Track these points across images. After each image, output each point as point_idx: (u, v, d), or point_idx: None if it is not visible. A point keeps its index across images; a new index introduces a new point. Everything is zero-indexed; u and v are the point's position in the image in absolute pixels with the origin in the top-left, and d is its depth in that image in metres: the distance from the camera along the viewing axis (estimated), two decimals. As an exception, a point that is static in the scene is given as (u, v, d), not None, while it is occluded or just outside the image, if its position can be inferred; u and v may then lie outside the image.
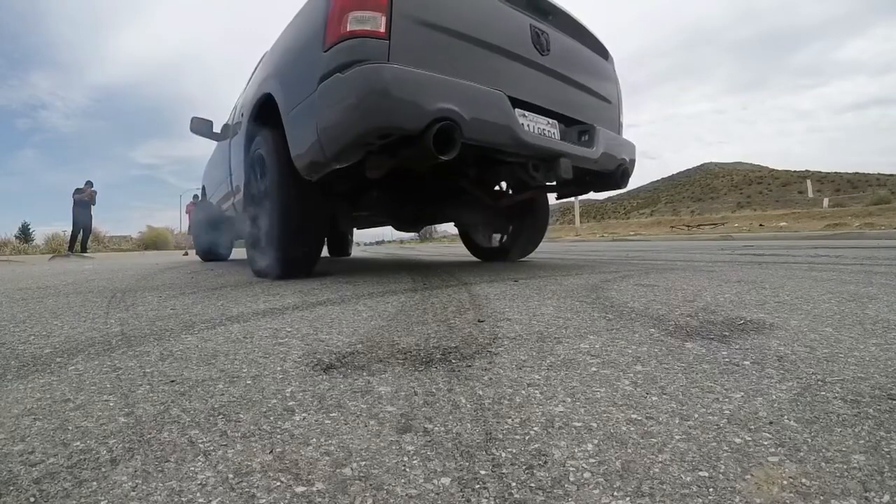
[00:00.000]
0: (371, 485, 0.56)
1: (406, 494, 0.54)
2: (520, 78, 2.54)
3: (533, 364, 1.01)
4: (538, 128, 2.59)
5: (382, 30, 2.01)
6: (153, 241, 25.06)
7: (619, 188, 3.32)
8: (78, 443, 0.69)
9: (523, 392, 0.85)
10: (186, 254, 7.23)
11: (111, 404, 0.84)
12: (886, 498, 0.51)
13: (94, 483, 0.58)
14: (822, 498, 0.51)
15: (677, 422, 0.71)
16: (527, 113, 2.56)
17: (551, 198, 4.09)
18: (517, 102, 2.48)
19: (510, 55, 2.49)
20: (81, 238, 12.68)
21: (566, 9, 2.95)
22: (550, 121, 2.71)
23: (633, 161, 3.31)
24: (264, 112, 2.96)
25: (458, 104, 2.12)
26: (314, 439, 0.68)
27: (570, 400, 0.81)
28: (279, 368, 1.02)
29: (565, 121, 2.85)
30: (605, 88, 3.23)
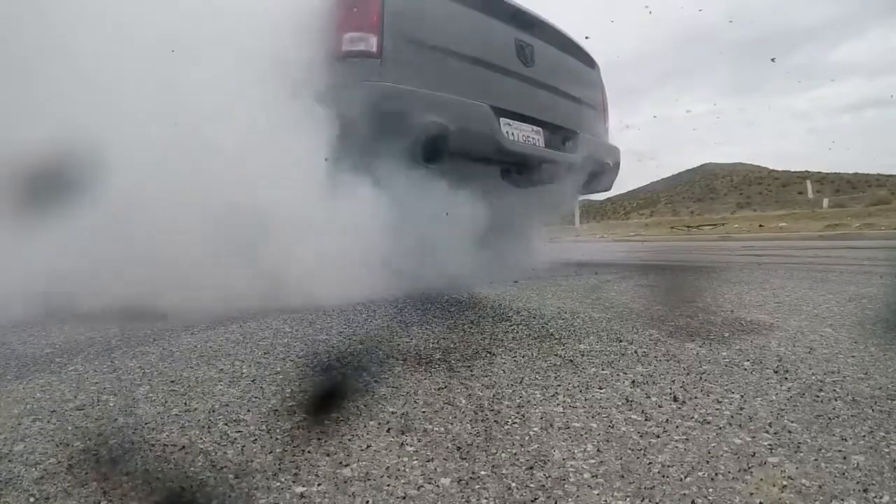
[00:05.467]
0: (371, 485, 0.56)
1: (406, 494, 0.54)
2: (505, 89, 2.69)
3: (533, 364, 1.01)
4: (522, 135, 2.74)
5: (375, 49, 2.18)
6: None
7: (605, 190, 3.55)
8: (78, 443, 0.69)
9: (523, 392, 0.85)
10: None
11: (111, 404, 0.84)
12: (886, 498, 0.51)
13: (95, 483, 0.58)
14: (822, 498, 0.51)
15: (677, 422, 0.71)
16: (511, 122, 2.70)
17: None
18: (502, 112, 2.61)
19: (495, 68, 2.64)
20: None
21: (551, 21, 3.09)
22: (535, 128, 2.87)
23: (617, 164, 3.51)
24: None
25: (443, 117, 2.28)
26: (314, 439, 0.68)
27: (569, 400, 0.81)
28: (279, 368, 1.02)
29: (550, 128, 3.00)
30: (590, 96, 3.40)
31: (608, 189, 3.50)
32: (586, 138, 3.14)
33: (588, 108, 3.35)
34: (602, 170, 3.29)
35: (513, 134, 2.65)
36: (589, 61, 3.41)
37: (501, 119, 2.58)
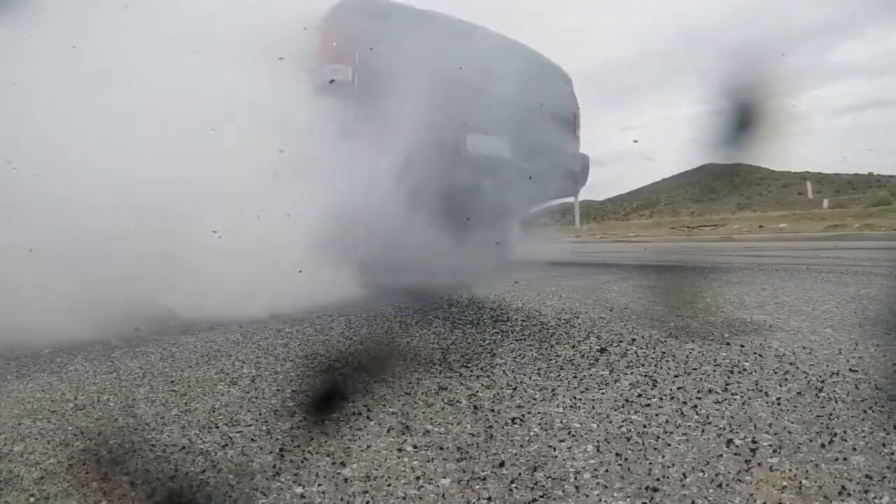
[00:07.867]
0: (371, 485, 0.56)
1: (406, 494, 0.54)
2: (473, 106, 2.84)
3: (533, 365, 1.01)
4: (489, 147, 2.94)
5: (350, 78, 2.48)
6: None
7: (569, 196, 3.91)
8: (78, 443, 0.69)
9: (523, 393, 0.85)
10: None
11: (111, 404, 0.84)
12: (886, 498, 0.51)
13: (95, 483, 0.58)
14: (822, 498, 0.51)
15: (677, 422, 0.71)
16: (478, 135, 2.87)
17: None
18: (470, 128, 2.80)
19: (464, 86, 2.78)
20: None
21: (521, 41, 3.25)
22: (502, 139, 3.05)
23: (585, 169, 3.77)
24: None
25: None
26: (314, 439, 0.68)
27: (570, 401, 0.81)
28: (279, 369, 1.02)
29: (518, 138, 3.16)
30: (562, 107, 3.58)
31: (573, 195, 3.88)
32: (554, 149, 3.32)
33: (560, 119, 3.53)
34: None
35: (475, 146, 2.83)
36: (562, 75, 3.63)
37: (469, 135, 2.79)
